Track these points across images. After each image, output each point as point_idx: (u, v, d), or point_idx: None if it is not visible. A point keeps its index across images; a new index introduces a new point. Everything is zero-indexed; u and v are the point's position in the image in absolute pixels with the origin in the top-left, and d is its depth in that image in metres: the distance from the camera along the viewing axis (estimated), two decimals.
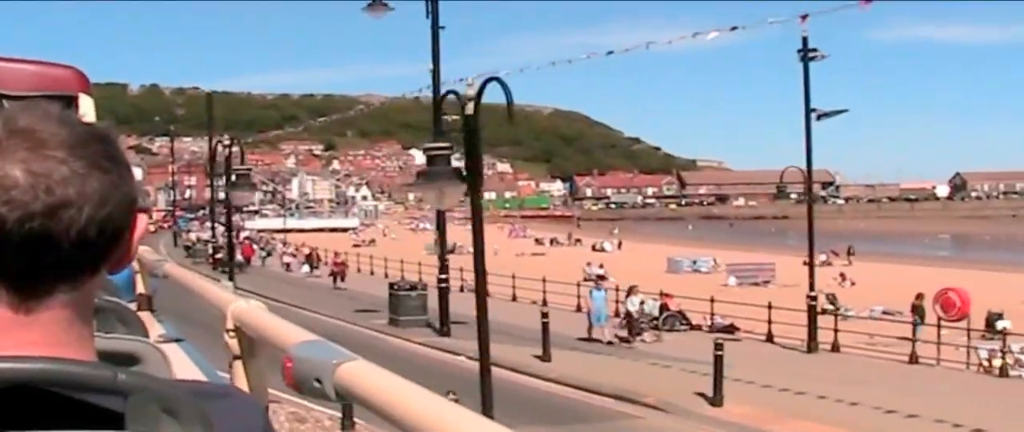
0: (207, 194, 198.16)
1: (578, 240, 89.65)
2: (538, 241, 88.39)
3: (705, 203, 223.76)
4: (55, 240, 0.99)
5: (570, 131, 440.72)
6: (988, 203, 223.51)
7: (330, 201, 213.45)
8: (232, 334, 2.76)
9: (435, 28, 28.83)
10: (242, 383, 2.68)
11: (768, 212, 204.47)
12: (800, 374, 23.15)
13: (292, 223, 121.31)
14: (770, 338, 29.51)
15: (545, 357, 24.30)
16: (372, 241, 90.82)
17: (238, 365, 2.75)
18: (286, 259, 62.17)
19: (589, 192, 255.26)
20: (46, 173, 0.99)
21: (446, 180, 11.21)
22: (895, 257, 76.80)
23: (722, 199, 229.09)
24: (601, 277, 46.45)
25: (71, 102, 4.37)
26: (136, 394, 0.99)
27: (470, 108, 11.36)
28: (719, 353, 19.24)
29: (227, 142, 25.25)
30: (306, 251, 64.02)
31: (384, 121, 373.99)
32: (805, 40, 28.80)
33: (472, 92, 11.41)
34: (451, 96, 11.73)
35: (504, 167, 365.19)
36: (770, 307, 29.94)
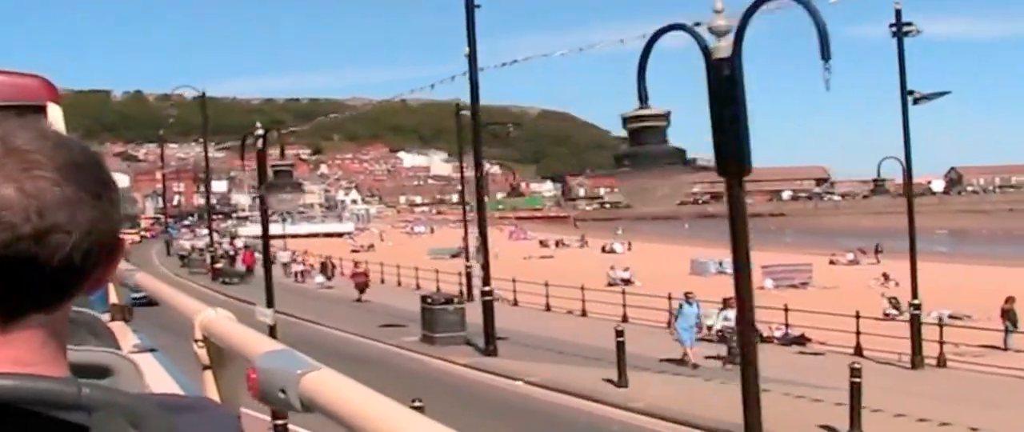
0: (197, 200, 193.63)
1: (585, 241, 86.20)
2: (543, 243, 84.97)
3: (699, 201, 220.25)
4: (40, 264, 0.99)
5: (559, 131, 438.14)
6: (985, 197, 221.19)
7: (321, 205, 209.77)
8: (201, 344, 2.71)
9: (470, 5, 27.39)
10: (213, 393, 2.62)
11: (764, 210, 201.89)
12: (927, 396, 19.97)
13: (277, 229, 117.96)
14: (859, 351, 26.08)
15: (621, 381, 20.99)
16: (371, 246, 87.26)
17: (207, 375, 2.69)
18: (296, 268, 58.06)
19: (582, 192, 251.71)
20: (38, 195, 0.98)
21: (668, 163, 7.84)
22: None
23: (716, 197, 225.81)
24: (627, 281, 43.52)
25: (40, 111, 4.22)
26: (101, 408, 0.98)
27: (724, 48, 7.98)
28: (857, 380, 15.98)
29: (259, 132, 21.16)
30: (312, 259, 60.83)
31: (372, 124, 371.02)
32: (898, 12, 25.41)
33: (723, 22, 7.99)
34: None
35: (493, 169, 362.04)
36: (858, 316, 26.72)
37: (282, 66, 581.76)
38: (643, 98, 7.84)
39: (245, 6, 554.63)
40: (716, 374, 23.15)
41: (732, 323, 23.56)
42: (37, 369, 1.00)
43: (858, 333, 26.64)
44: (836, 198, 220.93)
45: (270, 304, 19.11)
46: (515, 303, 40.58)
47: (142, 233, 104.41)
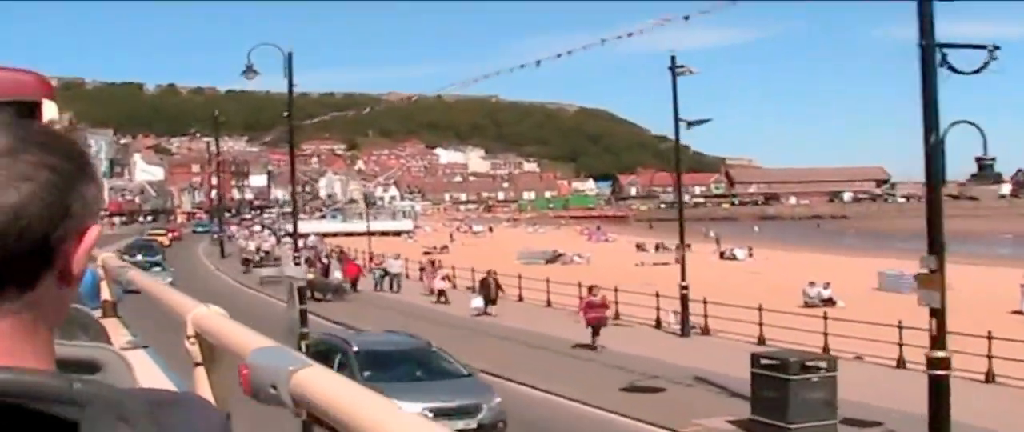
0: (235, 195, 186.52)
1: (687, 245, 76.81)
2: (640, 247, 76.21)
3: (758, 202, 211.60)
4: None
5: (596, 129, 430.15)
6: None
7: (368, 202, 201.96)
8: (193, 340, 2.71)
9: None
10: (204, 390, 2.63)
11: (825, 211, 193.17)
12: None
13: (335, 226, 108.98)
14: None
15: None
16: (444, 248, 78.62)
17: (199, 372, 2.69)
18: (439, 285, 42.14)
19: (633, 191, 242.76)
20: None
21: None
22: (985, 259, 66.64)
23: (771, 198, 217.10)
24: (828, 301, 35.35)
25: (35, 108, 4.33)
26: (92, 403, 0.98)
27: None
28: None
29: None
30: (445, 270, 45.50)
31: (407, 120, 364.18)
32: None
33: None
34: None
35: (531, 166, 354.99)
36: None
37: (316, 61, 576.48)
38: None
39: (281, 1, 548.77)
40: None
41: None
42: (13, 362, 1.00)
43: None
44: (900, 200, 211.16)
45: None
46: (704, 331, 32.49)
47: (173, 235, 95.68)
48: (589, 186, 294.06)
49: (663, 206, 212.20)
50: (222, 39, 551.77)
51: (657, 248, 72.09)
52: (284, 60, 29.55)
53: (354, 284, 44.06)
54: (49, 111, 4.51)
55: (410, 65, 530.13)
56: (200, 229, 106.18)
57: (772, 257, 66.27)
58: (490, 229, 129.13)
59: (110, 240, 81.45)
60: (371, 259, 50.90)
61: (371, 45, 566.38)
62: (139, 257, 44.28)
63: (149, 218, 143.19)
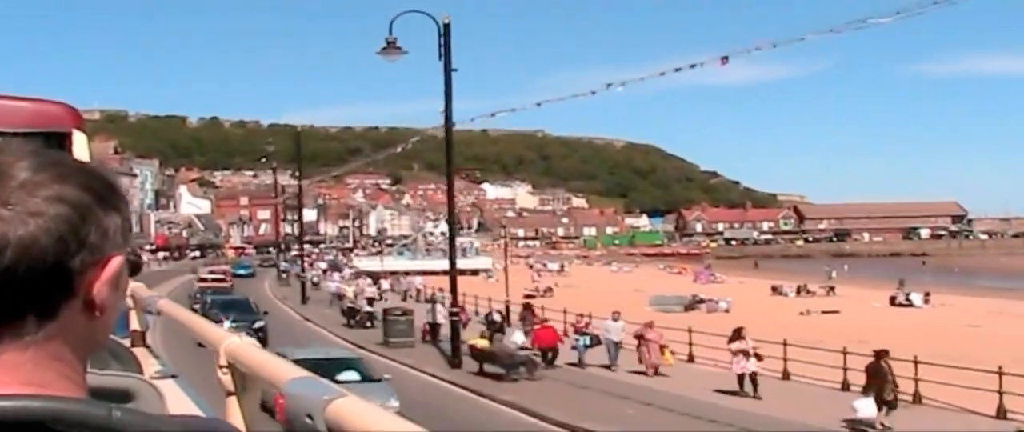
0: (283, 229, 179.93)
1: (830, 289, 67.08)
2: (776, 290, 66.59)
3: (833, 239, 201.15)
4: None
5: (644, 164, 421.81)
6: None
7: (428, 237, 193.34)
8: (225, 370, 2.73)
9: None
10: (236, 419, 2.67)
11: (903, 249, 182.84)
12: None
13: (409, 264, 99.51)
14: None
15: None
16: (549, 290, 69.36)
17: (231, 401, 2.74)
18: (745, 366, 26.06)
19: (699, 227, 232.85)
20: None
21: None
22: None
23: (842, 234, 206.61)
24: None
25: (64, 139, 4.43)
26: (130, 430, 0.99)
27: None
28: None
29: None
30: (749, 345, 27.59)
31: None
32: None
33: None
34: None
35: (580, 202, 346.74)
36: None
37: (359, 94, 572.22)
38: None
39: (321, 35, 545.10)
40: None
41: None
42: (42, 390, 1.03)
43: None
44: (982, 236, 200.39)
45: None
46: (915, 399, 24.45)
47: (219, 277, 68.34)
48: (643, 222, 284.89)
49: (733, 242, 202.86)
50: (265, 72, 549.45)
51: (799, 291, 62.77)
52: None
53: (548, 355, 29.97)
54: (79, 142, 4.53)
55: (454, 98, 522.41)
56: (242, 272, 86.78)
57: (950, 303, 56.44)
58: (561, 267, 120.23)
59: (157, 278, 71.78)
60: (529, 310, 37.56)
61: (414, 78, 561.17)
62: (231, 320, 32.23)
63: (197, 253, 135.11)
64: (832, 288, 66.55)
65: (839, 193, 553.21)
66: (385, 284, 57.42)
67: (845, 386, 25.89)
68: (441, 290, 59.87)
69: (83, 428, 0.98)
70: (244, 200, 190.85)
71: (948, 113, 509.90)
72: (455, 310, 30.11)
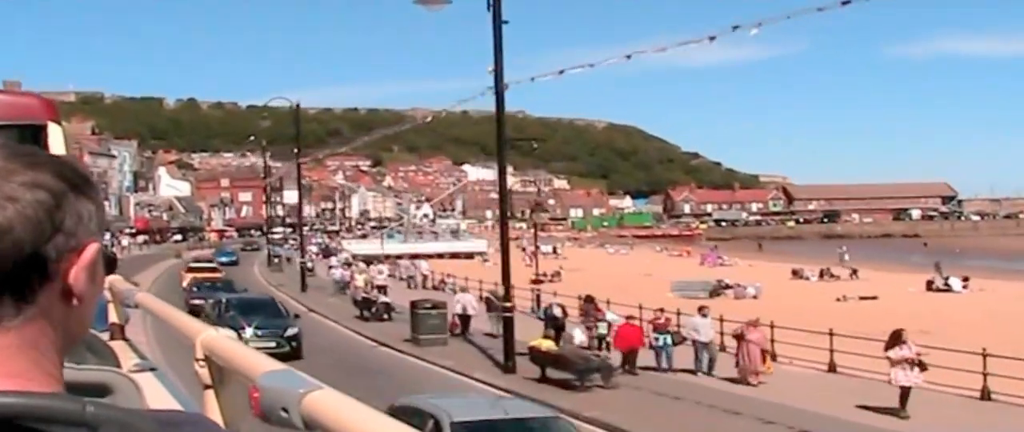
0: (265, 212, 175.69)
1: (853, 272, 63.50)
2: (797, 274, 63.25)
3: (824, 220, 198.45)
4: None
5: (625, 145, 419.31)
6: None
7: (428, 219, 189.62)
8: (202, 363, 2.73)
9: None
10: (214, 413, 2.67)
11: (895, 230, 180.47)
12: None
13: (402, 247, 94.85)
14: None
15: None
16: (556, 274, 65.65)
17: (209, 394, 2.73)
18: (908, 378, 20.93)
19: (687, 208, 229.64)
20: None
21: None
22: None
23: (831, 215, 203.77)
24: None
25: (40, 131, 4.41)
26: (105, 426, 0.98)
27: None
28: None
29: None
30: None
31: (432, 135, 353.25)
32: None
33: None
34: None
35: (561, 183, 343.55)
36: None
37: (339, 76, 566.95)
38: None
39: (300, 16, 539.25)
40: None
41: None
42: (15, 383, 1.03)
43: None
44: (975, 217, 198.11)
45: None
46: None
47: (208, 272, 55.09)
48: (627, 203, 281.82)
49: (724, 224, 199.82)
50: (243, 53, 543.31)
51: (822, 275, 59.59)
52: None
53: (628, 359, 25.52)
54: (55, 134, 4.56)
55: (434, 79, 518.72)
56: (223, 260, 75.28)
57: (988, 287, 53.23)
58: (554, 250, 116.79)
59: (140, 264, 67.75)
60: (593, 308, 30.37)
61: (394, 59, 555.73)
62: (253, 327, 27.97)
63: (179, 236, 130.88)
64: (855, 271, 63.25)
65: (821, 174, 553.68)
66: (384, 269, 53.71)
67: (985, 395, 21.98)
68: (450, 276, 56.56)
69: (56, 424, 0.97)
70: (225, 182, 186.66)
71: (930, 94, 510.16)
72: (508, 304, 25.56)
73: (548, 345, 24.63)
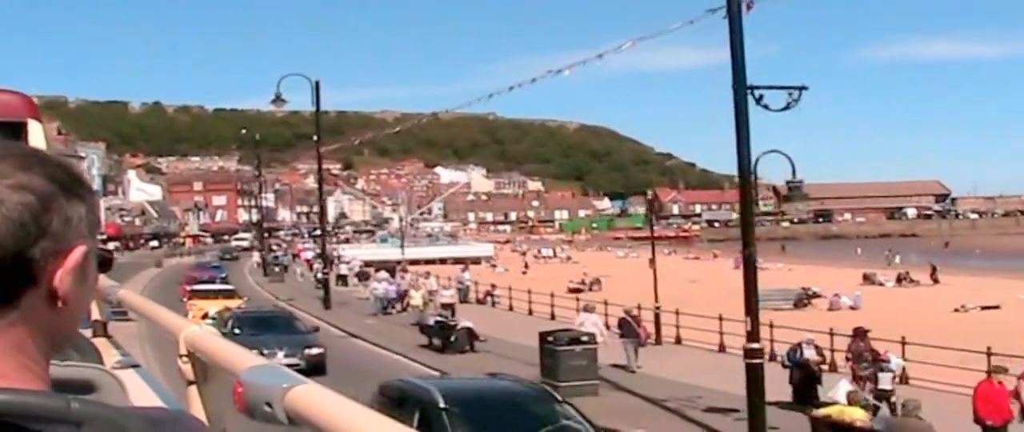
0: (241, 216, 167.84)
1: (905, 276, 56.64)
2: (868, 279, 56.27)
3: (820, 220, 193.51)
4: None
5: (599, 146, 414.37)
6: None
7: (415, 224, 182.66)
8: (185, 359, 2.71)
9: None
10: (198, 409, 2.65)
11: (891, 229, 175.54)
12: None
13: (385, 252, 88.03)
14: None
15: None
16: (596, 282, 58.18)
17: (192, 391, 2.72)
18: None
19: (675, 209, 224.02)
20: None
21: None
22: None
23: (824, 215, 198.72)
24: None
25: (20, 128, 4.37)
26: (90, 423, 0.98)
27: None
28: None
29: None
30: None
31: (403, 138, 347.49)
32: None
33: None
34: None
35: (536, 185, 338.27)
36: None
37: (305, 79, 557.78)
38: None
39: (265, 18, 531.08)
40: None
41: None
42: (7, 381, 1.02)
43: None
44: (972, 216, 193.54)
45: None
46: None
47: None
48: (605, 204, 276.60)
49: (717, 224, 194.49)
50: (209, 57, 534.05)
51: (900, 281, 53.37)
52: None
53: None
54: (35, 131, 4.50)
55: (402, 83, 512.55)
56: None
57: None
58: (554, 253, 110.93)
59: (117, 275, 60.01)
60: (865, 348, 22.35)
61: (363, 63, 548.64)
62: (270, 348, 22.28)
63: (155, 243, 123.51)
64: (934, 275, 57.04)
65: (861, 170, 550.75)
66: (406, 279, 46.96)
67: None
68: (494, 286, 48.90)
69: (41, 420, 0.97)
70: (198, 186, 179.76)
71: (907, 97, 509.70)
72: (756, 346, 16.63)
73: (853, 415, 16.13)
